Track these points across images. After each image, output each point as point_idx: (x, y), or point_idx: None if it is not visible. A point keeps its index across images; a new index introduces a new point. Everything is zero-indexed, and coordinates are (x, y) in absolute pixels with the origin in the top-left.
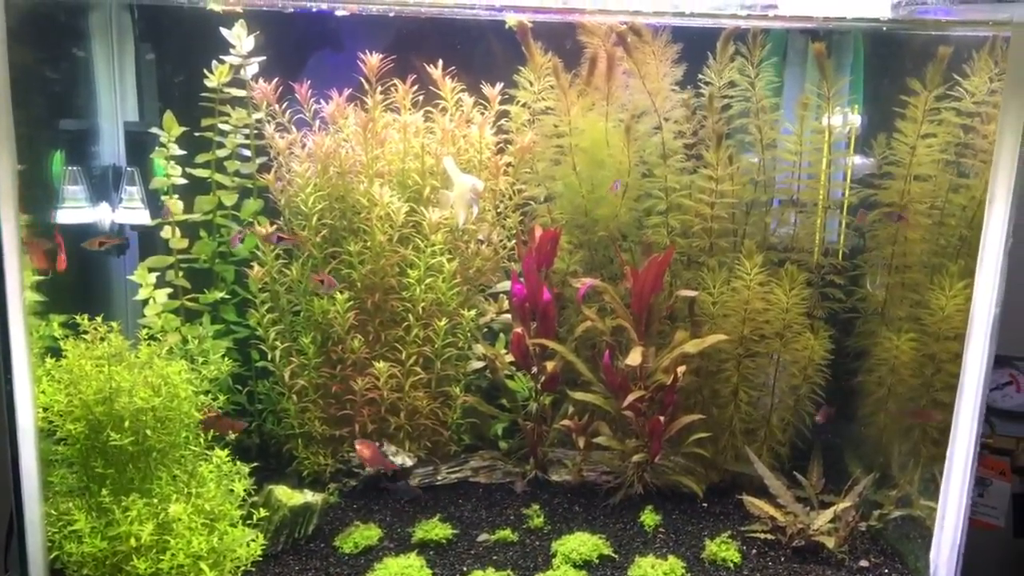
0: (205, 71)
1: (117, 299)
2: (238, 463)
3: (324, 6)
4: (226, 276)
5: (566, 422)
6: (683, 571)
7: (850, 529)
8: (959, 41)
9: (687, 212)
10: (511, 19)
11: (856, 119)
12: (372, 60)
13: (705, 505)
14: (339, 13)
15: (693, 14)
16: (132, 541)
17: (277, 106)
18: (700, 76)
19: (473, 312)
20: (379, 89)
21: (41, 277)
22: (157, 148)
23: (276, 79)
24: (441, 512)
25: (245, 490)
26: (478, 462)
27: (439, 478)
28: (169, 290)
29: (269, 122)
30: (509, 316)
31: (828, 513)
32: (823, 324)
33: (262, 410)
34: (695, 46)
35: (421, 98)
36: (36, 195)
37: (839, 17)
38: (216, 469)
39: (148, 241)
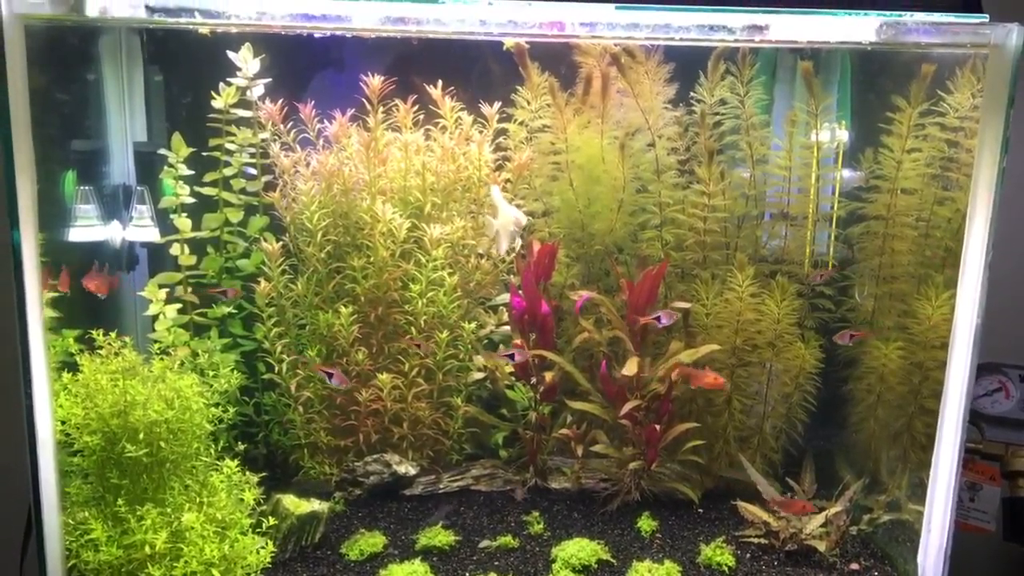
0: (212, 92)
1: (128, 315)
2: (247, 473)
3: (312, 30)
4: None
5: (564, 431)
6: (679, 575)
7: (841, 533)
8: (943, 58)
9: (680, 226)
10: (508, 40)
11: (844, 134)
12: (374, 81)
13: (700, 511)
14: (318, 36)
15: (684, 39)
16: (147, 549)
17: (282, 126)
18: (692, 94)
19: (473, 324)
20: (381, 109)
21: (56, 293)
22: (166, 168)
23: (281, 100)
24: (443, 519)
25: (254, 499)
26: (479, 470)
27: (441, 486)
28: (179, 305)
29: (275, 142)
30: (508, 328)
31: (820, 518)
32: (814, 334)
33: (269, 421)
34: (687, 65)
35: (422, 117)
36: (50, 214)
37: (824, 40)
38: (226, 479)
39: (158, 258)
